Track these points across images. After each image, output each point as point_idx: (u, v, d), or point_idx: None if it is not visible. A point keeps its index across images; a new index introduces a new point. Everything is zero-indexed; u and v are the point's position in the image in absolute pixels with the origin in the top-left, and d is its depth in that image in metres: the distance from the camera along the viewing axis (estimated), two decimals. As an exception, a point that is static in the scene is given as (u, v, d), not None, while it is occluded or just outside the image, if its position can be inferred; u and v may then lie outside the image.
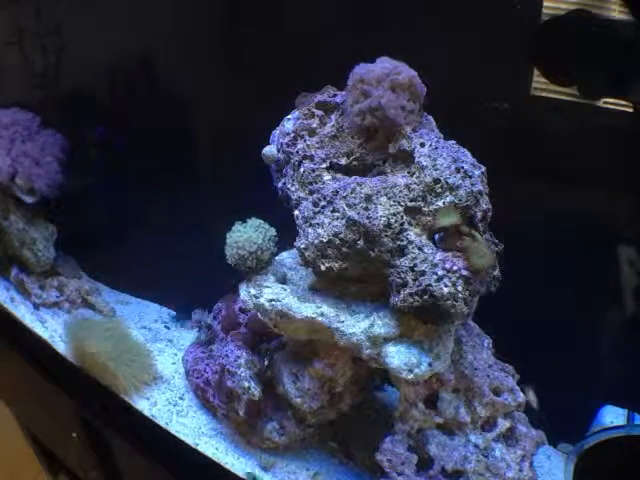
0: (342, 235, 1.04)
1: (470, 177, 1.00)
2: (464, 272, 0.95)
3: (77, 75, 2.05)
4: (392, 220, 1.01)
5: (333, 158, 1.13)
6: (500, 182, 1.04)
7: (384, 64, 1.08)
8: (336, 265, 1.06)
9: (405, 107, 1.06)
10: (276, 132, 1.25)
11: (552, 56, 1.27)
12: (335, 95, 1.19)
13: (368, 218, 1.01)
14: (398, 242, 1.01)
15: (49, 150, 1.83)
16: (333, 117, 1.17)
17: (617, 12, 1.18)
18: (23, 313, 1.83)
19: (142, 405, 1.48)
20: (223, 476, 1.28)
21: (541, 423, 1.17)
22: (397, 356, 1.02)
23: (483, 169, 1.04)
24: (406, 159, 1.08)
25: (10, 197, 1.82)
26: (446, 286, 0.95)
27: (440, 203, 1.00)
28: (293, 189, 1.15)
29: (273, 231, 1.23)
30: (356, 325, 1.06)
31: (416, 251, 0.99)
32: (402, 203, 1.02)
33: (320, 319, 1.08)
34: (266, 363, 1.34)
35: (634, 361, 1.28)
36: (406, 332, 1.04)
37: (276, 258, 1.26)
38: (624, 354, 1.33)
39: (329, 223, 1.05)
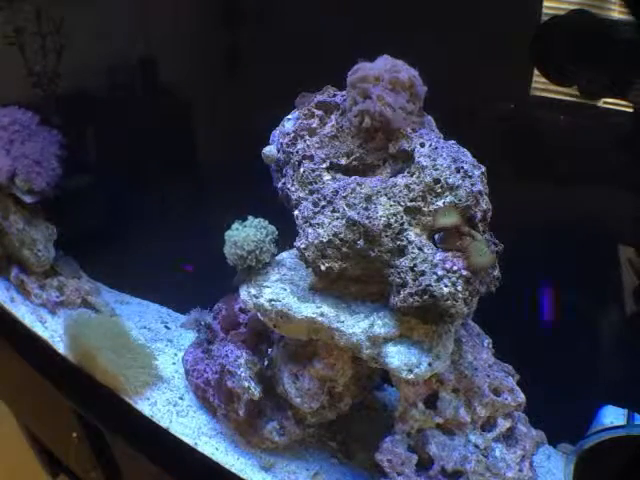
0: (342, 235, 1.04)
1: (470, 177, 1.00)
2: (464, 272, 0.95)
3: (77, 75, 2.05)
4: (392, 220, 1.01)
5: (333, 158, 1.13)
6: (500, 182, 1.04)
7: (384, 62, 1.08)
8: (336, 265, 1.06)
9: (405, 108, 1.06)
10: (276, 132, 1.25)
11: (552, 56, 1.27)
12: (335, 95, 1.19)
13: (368, 218, 1.01)
14: (398, 242, 1.01)
15: (49, 150, 1.83)
16: (333, 117, 1.17)
17: (617, 12, 1.18)
18: (23, 313, 1.83)
19: (142, 405, 1.48)
20: (223, 476, 1.28)
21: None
22: (397, 356, 1.02)
23: (483, 169, 1.04)
24: (406, 159, 1.08)
25: (10, 197, 1.82)
26: (446, 286, 0.95)
27: (440, 203, 1.00)
28: (293, 189, 1.15)
29: (273, 230, 1.23)
30: (356, 325, 1.06)
31: (416, 251, 0.99)
32: (402, 203, 1.02)
33: (320, 319, 1.08)
34: (266, 363, 1.34)
35: (634, 361, 1.28)
36: (406, 332, 1.04)
37: (276, 258, 1.26)
38: (624, 354, 1.33)
39: (329, 223, 1.05)
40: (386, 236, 1.01)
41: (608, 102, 1.24)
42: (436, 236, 1.02)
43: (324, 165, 1.12)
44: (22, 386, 1.87)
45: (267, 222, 1.23)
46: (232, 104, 1.69)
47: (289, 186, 1.16)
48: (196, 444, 1.35)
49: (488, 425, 1.13)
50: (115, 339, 1.56)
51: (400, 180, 1.04)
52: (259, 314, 1.17)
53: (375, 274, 1.07)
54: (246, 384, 1.25)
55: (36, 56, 2.05)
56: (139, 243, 2.02)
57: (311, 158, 1.13)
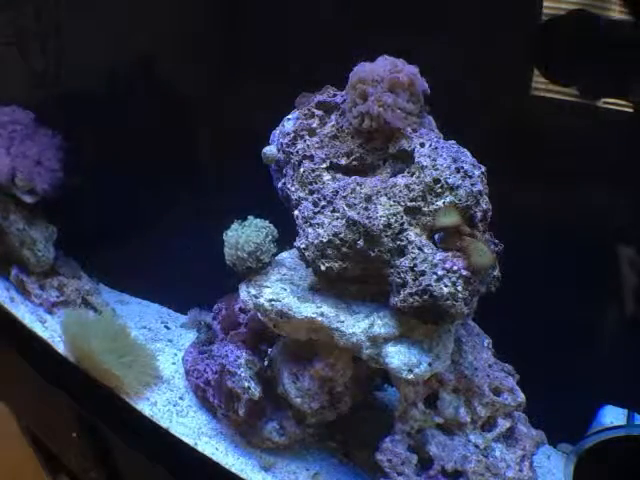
0: (342, 235, 1.04)
1: (470, 177, 1.00)
2: (464, 272, 0.95)
3: (77, 75, 2.05)
4: (392, 220, 1.01)
5: (333, 158, 1.13)
6: (500, 182, 1.04)
7: (384, 63, 1.08)
8: (336, 265, 1.06)
9: (405, 108, 1.06)
10: (276, 132, 1.25)
11: (552, 56, 1.27)
12: (335, 95, 1.19)
13: (368, 218, 1.01)
14: (398, 242, 1.01)
15: (49, 150, 1.83)
16: (333, 117, 1.17)
17: (617, 12, 1.18)
18: (23, 313, 1.83)
19: (142, 405, 1.48)
20: (223, 476, 1.28)
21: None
22: (397, 356, 1.02)
23: (483, 169, 1.04)
24: (406, 159, 1.08)
25: (10, 197, 1.82)
26: (446, 286, 0.95)
27: (440, 203, 1.00)
28: (293, 189, 1.15)
29: (273, 230, 1.23)
30: (356, 325, 1.06)
31: (416, 251, 0.99)
32: (402, 203, 1.02)
33: (320, 319, 1.08)
34: (266, 363, 1.34)
35: (634, 361, 1.28)
36: (406, 332, 1.04)
37: (276, 258, 1.26)
38: (624, 354, 1.33)
39: (329, 223, 1.05)
40: (386, 236, 1.01)
41: (608, 102, 1.24)
42: (436, 236, 1.02)
43: (324, 165, 1.13)
44: (22, 386, 1.87)
45: (267, 222, 1.23)
46: (232, 104, 1.69)
47: (289, 186, 1.16)
48: (196, 444, 1.35)
49: (488, 425, 1.13)
50: (115, 339, 1.56)
51: (400, 180, 1.04)
52: (259, 314, 1.17)
53: (375, 274, 1.07)
54: (246, 384, 1.25)
55: (36, 56, 2.05)
56: (139, 243, 2.01)
57: (311, 158, 1.14)
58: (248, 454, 1.32)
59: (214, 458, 1.32)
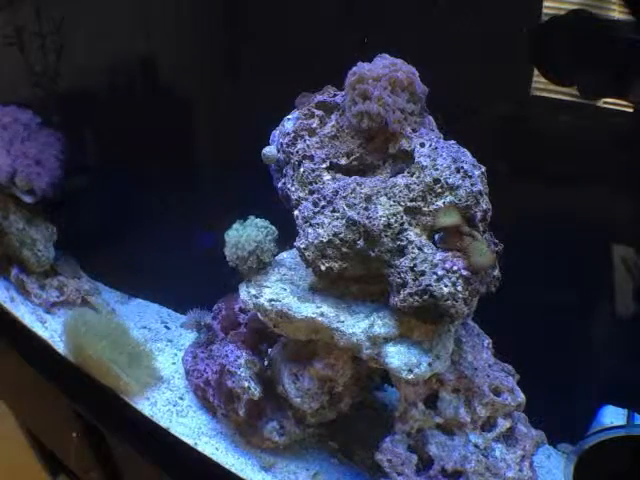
0: (342, 235, 1.04)
1: (470, 177, 1.00)
2: (464, 272, 0.95)
3: (77, 75, 2.05)
4: (392, 220, 1.01)
5: (333, 158, 1.13)
6: (500, 182, 1.03)
7: (382, 62, 1.08)
8: (336, 265, 1.06)
9: (405, 109, 1.06)
10: (276, 132, 1.25)
11: (552, 56, 1.27)
12: (335, 95, 1.19)
13: (368, 218, 1.01)
14: (398, 242, 1.01)
15: (49, 150, 1.83)
16: (333, 117, 1.17)
17: (617, 12, 1.18)
18: (23, 313, 1.83)
19: (142, 405, 1.48)
20: (223, 476, 1.28)
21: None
22: (397, 356, 1.02)
23: (483, 169, 1.04)
24: (406, 159, 1.08)
25: (10, 197, 1.82)
26: (446, 286, 0.95)
27: (440, 203, 1.00)
28: (293, 189, 1.15)
29: (274, 230, 1.23)
30: (356, 325, 1.06)
31: (416, 251, 0.99)
32: (402, 203, 1.02)
33: (320, 319, 1.08)
34: (266, 363, 1.34)
35: (634, 361, 1.28)
36: (406, 332, 1.04)
37: (276, 258, 1.26)
38: (624, 354, 1.33)
39: (329, 223, 1.05)
40: (386, 236, 1.01)
41: (608, 102, 1.24)
42: (436, 236, 1.02)
43: (324, 165, 1.13)
44: (22, 386, 1.87)
45: (267, 222, 1.23)
46: (232, 104, 1.69)
47: (289, 186, 1.16)
48: (196, 444, 1.35)
49: (488, 425, 1.13)
50: (115, 339, 1.56)
51: (400, 180, 1.04)
52: (259, 314, 1.17)
53: (375, 274, 1.07)
54: (246, 384, 1.26)
55: (36, 56, 2.05)
56: (139, 243, 2.02)
57: (311, 158, 1.13)
58: (248, 454, 1.32)
59: (214, 458, 1.32)
